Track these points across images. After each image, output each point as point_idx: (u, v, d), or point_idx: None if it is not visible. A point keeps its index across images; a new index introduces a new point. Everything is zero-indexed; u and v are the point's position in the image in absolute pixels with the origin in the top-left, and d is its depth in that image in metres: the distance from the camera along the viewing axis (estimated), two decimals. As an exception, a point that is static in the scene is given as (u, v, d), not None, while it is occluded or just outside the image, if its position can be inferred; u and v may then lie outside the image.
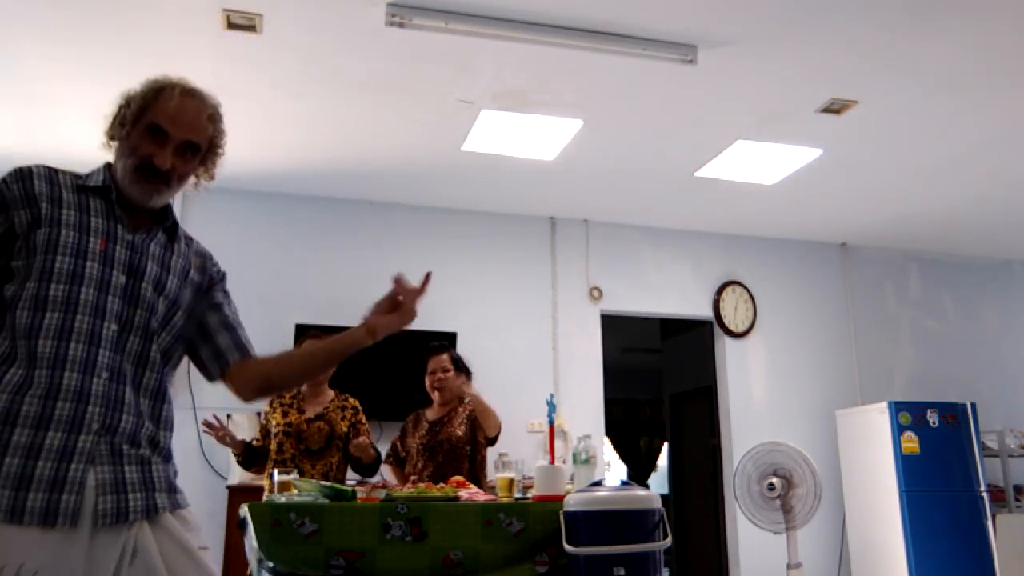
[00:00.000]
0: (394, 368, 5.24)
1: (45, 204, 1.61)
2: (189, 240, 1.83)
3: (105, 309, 1.59)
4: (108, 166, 1.73)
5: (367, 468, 3.65)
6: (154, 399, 1.68)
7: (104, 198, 1.68)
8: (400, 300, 1.89)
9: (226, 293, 1.89)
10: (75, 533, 1.47)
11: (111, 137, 1.75)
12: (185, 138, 1.74)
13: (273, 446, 3.54)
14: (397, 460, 3.90)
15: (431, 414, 3.89)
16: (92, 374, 1.54)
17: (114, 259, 1.63)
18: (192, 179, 1.79)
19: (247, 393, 1.87)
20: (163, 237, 1.75)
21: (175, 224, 1.79)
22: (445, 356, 3.92)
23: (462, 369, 3.95)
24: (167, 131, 1.71)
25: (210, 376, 1.85)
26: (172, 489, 1.67)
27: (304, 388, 3.70)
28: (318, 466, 3.55)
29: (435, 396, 3.87)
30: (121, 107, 1.77)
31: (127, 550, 1.53)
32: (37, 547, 1.43)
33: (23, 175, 1.63)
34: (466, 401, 3.83)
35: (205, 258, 1.86)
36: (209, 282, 1.85)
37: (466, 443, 3.73)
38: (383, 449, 3.84)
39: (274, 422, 3.58)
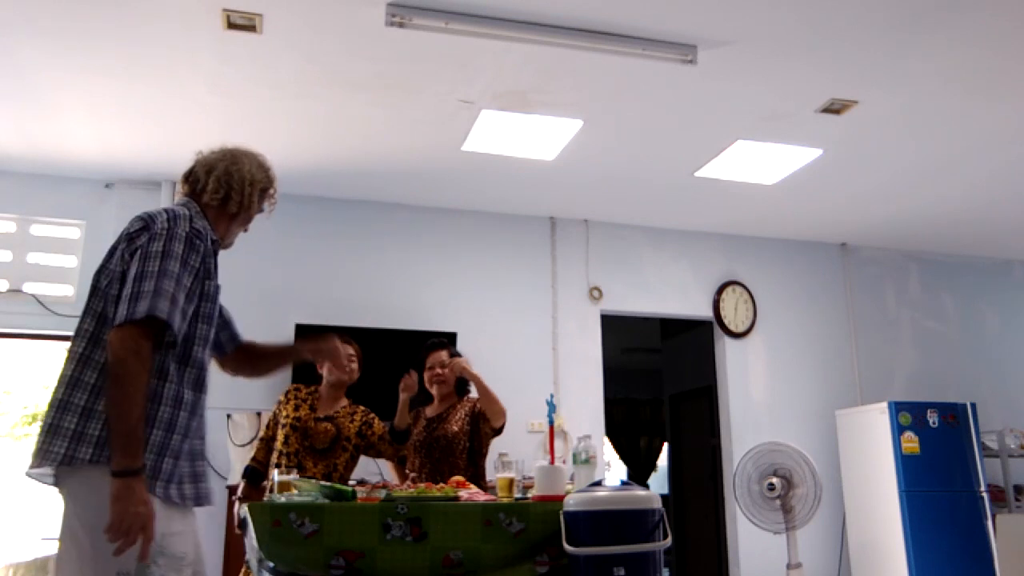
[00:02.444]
0: (395, 369, 5.24)
1: (212, 260, 2.10)
2: None
3: (209, 339, 2.09)
4: (199, 217, 2.17)
5: (400, 435, 3.68)
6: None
7: (216, 250, 2.17)
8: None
9: None
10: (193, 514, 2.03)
11: (225, 201, 2.22)
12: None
13: (280, 437, 3.58)
14: (399, 459, 3.91)
15: (430, 411, 3.90)
16: (206, 393, 2.09)
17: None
18: None
19: (232, 373, 2.49)
20: None
21: None
22: (443, 352, 3.92)
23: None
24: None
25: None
26: None
27: (323, 388, 3.73)
28: (320, 465, 3.56)
29: (434, 392, 3.88)
30: (247, 186, 2.29)
31: None
32: (188, 523, 1.98)
33: (204, 234, 2.08)
34: (468, 396, 3.83)
35: None
36: None
37: (463, 439, 3.71)
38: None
39: (284, 413, 3.62)
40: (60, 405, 1.89)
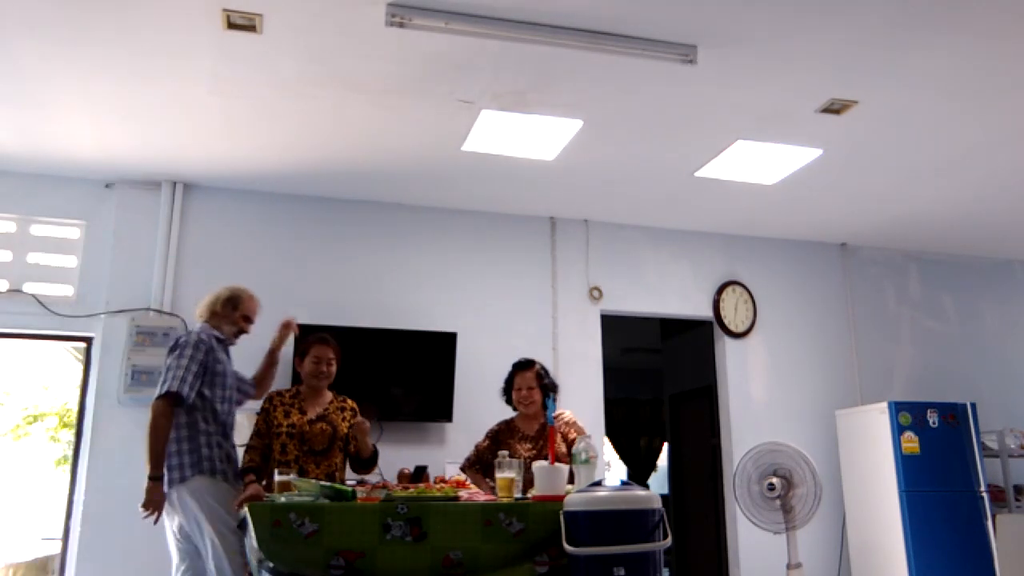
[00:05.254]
0: (394, 369, 5.24)
1: (215, 352, 3.68)
2: None
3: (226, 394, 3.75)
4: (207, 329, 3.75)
5: (365, 462, 3.69)
6: None
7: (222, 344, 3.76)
8: None
9: None
10: None
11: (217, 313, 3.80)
12: None
13: (276, 447, 3.53)
14: (483, 468, 3.90)
15: (526, 427, 3.92)
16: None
17: None
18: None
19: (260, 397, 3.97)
20: None
21: None
22: (531, 374, 3.93)
23: (547, 385, 3.94)
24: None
25: None
26: None
27: (303, 388, 3.70)
28: (322, 466, 3.54)
29: (521, 411, 3.94)
30: (230, 300, 3.81)
31: None
32: None
33: (207, 338, 3.67)
34: (562, 422, 3.84)
35: None
36: None
37: (566, 459, 3.77)
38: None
39: (275, 422, 3.57)
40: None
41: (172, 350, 3.57)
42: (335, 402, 3.71)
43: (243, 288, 3.90)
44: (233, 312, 3.77)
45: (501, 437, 3.95)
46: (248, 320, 3.81)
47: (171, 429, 3.41)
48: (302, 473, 3.43)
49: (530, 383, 3.90)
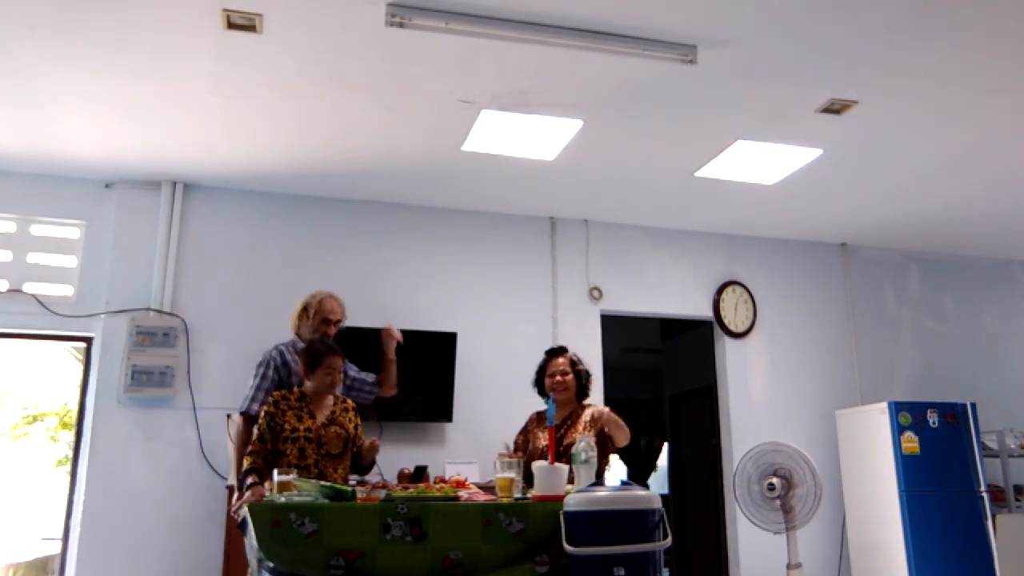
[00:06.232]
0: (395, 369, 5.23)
1: (289, 366, 3.99)
2: None
3: None
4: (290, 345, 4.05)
5: (365, 468, 3.73)
6: None
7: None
8: None
9: None
10: None
11: (298, 325, 4.06)
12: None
13: (293, 451, 3.44)
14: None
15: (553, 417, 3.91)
16: None
17: None
18: None
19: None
20: None
21: None
22: (563, 359, 3.94)
23: (580, 372, 3.94)
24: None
25: None
26: None
27: (309, 392, 3.62)
28: (339, 470, 3.53)
29: (555, 398, 3.91)
30: (304, 310, 4.05)
31: None
32: None
33: (277, 354, 4.00)
34: (592, 414, 3.84)
35: None
36: None
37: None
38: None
39: (288, 427, 3.48)
40: None
41: (256, 366, 3.93)
42: (338, 404, 3.69)
43: (316, 294, 4.09)
44: (309, 321, 4.00)
45: (530, 427, 3.98)
46: (327, 322, 3.96)
47: (249, 440, 3.64)
48: (321, 477, 3.39)
49: (564, 368, 3.91)
